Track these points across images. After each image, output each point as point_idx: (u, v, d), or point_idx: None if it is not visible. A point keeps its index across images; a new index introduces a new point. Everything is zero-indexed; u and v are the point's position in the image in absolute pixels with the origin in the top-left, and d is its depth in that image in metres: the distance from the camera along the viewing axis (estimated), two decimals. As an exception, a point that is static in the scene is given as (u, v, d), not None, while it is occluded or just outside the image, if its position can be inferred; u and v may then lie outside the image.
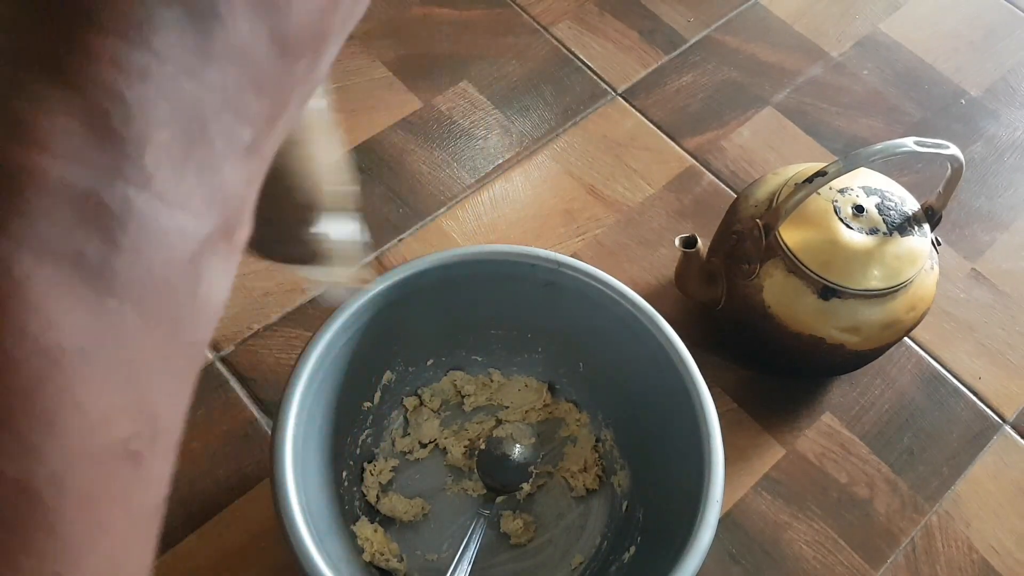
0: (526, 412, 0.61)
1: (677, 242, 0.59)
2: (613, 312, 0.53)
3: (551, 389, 0.62)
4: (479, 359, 0.61)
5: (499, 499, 0.58)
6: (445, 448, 0.60)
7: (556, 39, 0.84)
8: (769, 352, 0.61)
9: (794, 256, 0.57)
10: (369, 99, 0.77)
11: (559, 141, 0.77)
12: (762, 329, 0.59)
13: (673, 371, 0.51)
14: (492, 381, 0.62)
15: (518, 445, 0.58)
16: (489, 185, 0.74)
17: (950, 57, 0.86)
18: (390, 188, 0.73)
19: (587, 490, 0.59)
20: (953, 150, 0.55)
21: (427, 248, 0.69)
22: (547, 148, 0.76)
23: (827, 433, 0.64)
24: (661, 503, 0.53)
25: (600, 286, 0.53)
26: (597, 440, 0.60)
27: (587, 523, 0.58)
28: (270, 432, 0.47)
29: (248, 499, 0.58)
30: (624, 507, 0.57)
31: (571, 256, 0.55)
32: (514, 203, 0.73)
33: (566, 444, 0.60)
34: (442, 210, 0.72)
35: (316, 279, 0.34)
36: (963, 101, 0.83)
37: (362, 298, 0.51)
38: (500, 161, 0.75)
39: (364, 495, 0.57)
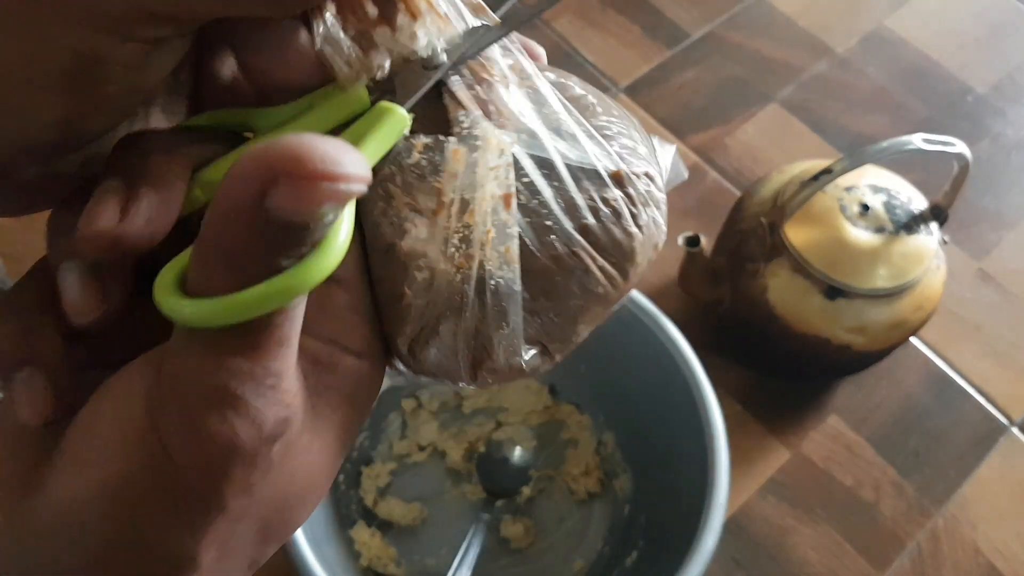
0: (526, 414, 0.60)
1: (680, 241, 0.58)
2: (616, 312, 0.53)
3: (552, 391, 0.61)
4: (479, 360, 0.61)
5: (499, 503, 0.57)
6: (444, 451, 0.59)
7: (557, 34, 0.83)
8: (774, 353, 0.60)
9: (800, 255, 0.56)
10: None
11: (560, 138, 0.76)
12: (767, 330, 0.58)
13: (676, 372, 0.50)
14: (492, 383, 0.61)
15: (518, 448, 0.57)
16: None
17: (956, 54, 0.85)
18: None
19: (588, 494, 0.58)
20: (960, 147, 0.54)
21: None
22: (548, 145, 0.75)
23: (833, 435, 0.63)
24: (664, 507, 0.53)
25: (602, 286, 0.52)
26: (599, 443, 0.59)
27: (588, 528, 0.57)
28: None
29: (244, 502, 0.57)
30: (626, 511, 0.57)
31: (572, 255, 0.54)
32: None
33: (567, 447, 0.60)
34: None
35: None
36: (969, 98, 0.82)
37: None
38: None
39: (361, 499, 0.56)
